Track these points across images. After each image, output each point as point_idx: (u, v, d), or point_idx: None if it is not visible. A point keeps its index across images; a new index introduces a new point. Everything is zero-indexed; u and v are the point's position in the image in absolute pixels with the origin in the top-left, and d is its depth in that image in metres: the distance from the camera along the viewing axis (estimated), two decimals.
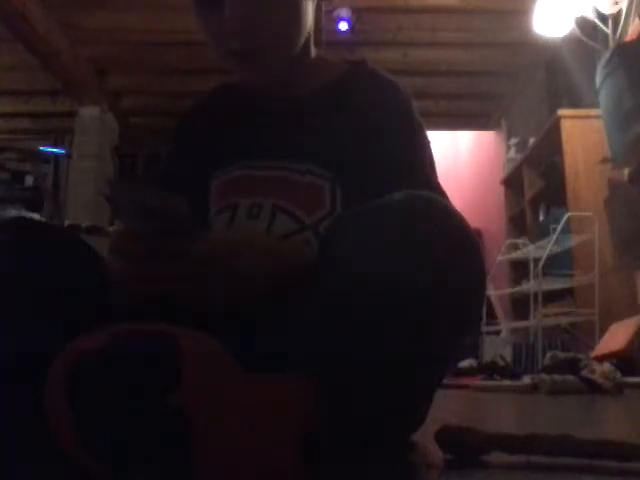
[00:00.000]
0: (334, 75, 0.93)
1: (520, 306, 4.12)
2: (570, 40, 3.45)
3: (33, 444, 0.56)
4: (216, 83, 1.00)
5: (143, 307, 0.64)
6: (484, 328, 3.90)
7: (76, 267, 0.70)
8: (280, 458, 0.49)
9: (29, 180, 5.55)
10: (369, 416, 0.61)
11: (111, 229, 3.35)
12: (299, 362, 0.55)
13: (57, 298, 0.65)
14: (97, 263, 0.72)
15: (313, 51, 0.93)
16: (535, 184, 4.22)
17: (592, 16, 3.08)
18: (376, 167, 0.82)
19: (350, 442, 0.59)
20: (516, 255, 4.01)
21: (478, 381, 2.88)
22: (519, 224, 4.59)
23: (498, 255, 4.13)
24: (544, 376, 2.30)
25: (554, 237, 3.33)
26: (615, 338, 2.76)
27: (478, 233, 4.86)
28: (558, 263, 3.41)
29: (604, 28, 3.02)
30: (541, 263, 3.36)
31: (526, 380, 2.55)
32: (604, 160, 3.14)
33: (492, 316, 4.23)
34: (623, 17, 2.92)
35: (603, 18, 3.04)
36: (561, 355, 2.59)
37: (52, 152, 5.28)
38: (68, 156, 4.98)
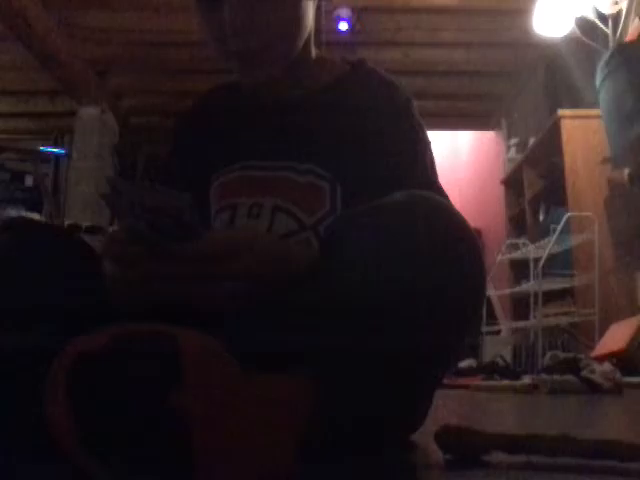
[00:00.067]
0: (334, 75, 0.93)
1: (520, 306, 4.11)
2: (570, 40, 3.45)
3: (33, 444, 0.56)
4: (216, 83, 1.00)
5: (143, 308, 0.64)
6: (484, 328, 3.89)
7: (76, 267, 0.70)
8: (280, 457, 0.50)
9: (29, 180, 5.54)
10: (369, 416, 0.61)
11: (111, 229, 3.35)
12: (299, 362, 0.55)
13: (57, 298, 0.65)
14: (97, 263, 0.72)
15: (313, 51, 0.93)
16: (535, 184, 4.21)
17: (592, 16, 3.09)
18: (376, 167, 0.82)
19: (350, 442, 0.59)
20: (516, 255, 4.00)
21: (478, 381, 2.88)
22: (519, 224, 4.59)
23: (498, 255, 4.13)
24: (544, 376, 2.30)
25: (554, 237, 3.32)
26: (615, 338, 2.76)
27: (478, 233, 4.86)
28: (558, 263, 3.40)
29: (604, 28, 3.02)
30: (541, 263, 3.36)
31: (526, 380, 2.55)
32: (604, 160, 3.14)
33: (492, 316, 4.23)
34: (623, 17, 2.92)
35: (603, 18, 3.04)
36: (561, 355, 2.58)
37: (52, 152, 5.27)
38: (68, 156, 4.97)
